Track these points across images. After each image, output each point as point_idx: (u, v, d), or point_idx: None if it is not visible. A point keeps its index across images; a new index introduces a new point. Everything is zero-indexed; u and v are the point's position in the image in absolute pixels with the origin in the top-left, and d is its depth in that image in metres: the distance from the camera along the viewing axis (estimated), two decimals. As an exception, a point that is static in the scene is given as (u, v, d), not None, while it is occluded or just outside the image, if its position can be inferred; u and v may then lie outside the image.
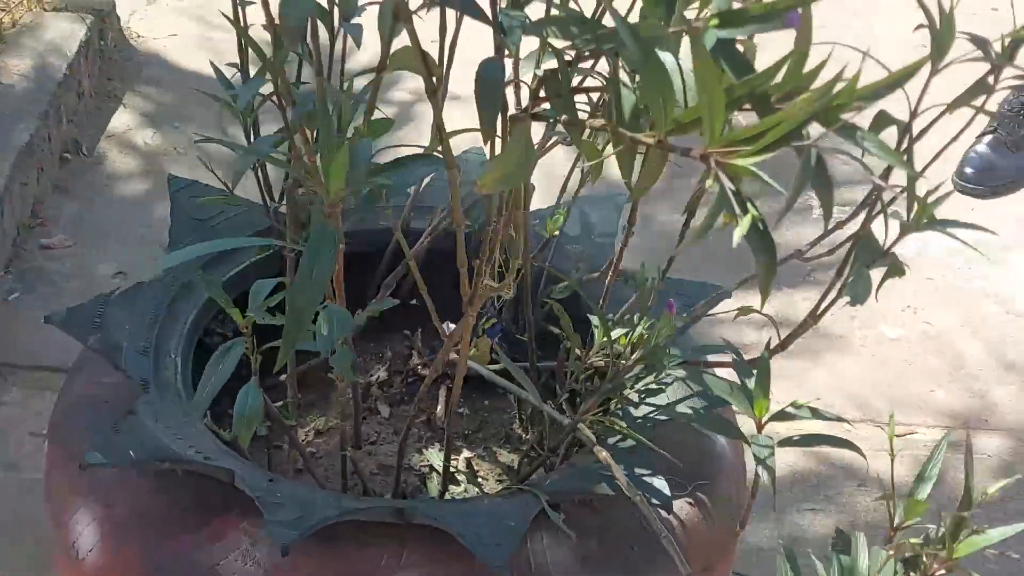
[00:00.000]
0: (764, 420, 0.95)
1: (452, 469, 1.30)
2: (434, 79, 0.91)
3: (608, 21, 0.90)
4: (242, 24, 1.28)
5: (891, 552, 0.92)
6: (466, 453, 1.34)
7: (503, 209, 1.03)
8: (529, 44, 0.89)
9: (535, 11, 0.94)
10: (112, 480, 1.19)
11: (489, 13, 0.92)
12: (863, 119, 0.82)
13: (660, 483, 1.15)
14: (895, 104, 0.87)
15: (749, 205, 0.73)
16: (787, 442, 0.96)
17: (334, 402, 1.40)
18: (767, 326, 1.25)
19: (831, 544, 0.97)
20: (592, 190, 1.43)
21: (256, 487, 1.11)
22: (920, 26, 0.98)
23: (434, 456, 1.32)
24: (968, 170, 2.77)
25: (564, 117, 0.92)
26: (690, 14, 0.84)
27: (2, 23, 2.84)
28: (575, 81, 0.94)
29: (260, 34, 1.34)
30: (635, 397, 1.22)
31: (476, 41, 1.08)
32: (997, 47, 0.95)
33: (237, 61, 1.35)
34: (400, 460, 1.23)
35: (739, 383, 1.04)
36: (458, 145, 1.11)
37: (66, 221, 2.59)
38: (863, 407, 2.27)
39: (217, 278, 1.20)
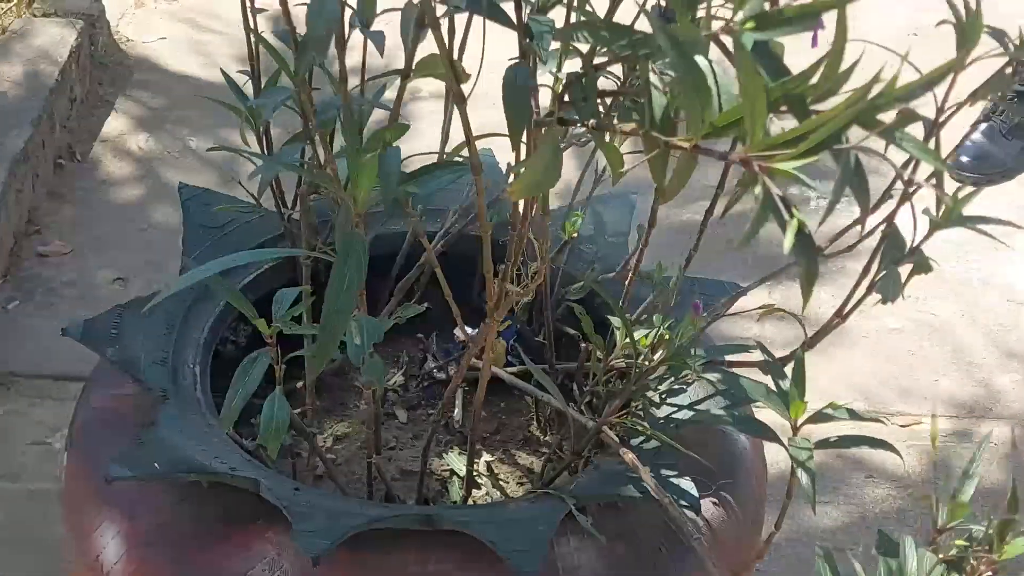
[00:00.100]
0: (800, 422, 0.95)
1: (473, 473, 1.29)
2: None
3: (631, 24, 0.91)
4: (254, 29, 1.26)
5: (940, 556, 0.91)
6: (486, 456, 1.34)
7: (527, 214, 1.02)
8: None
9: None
10: (135, 492, 1.18)
11: (514, 17, 0.92)
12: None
13: (687, 484, 1.14)
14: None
15: (794, 211, 0.73)
16: (824, 444, 0.96)
17: (359, 409, 1.39)
18: (771, 322, 1.25)
19: (875, 546, 0.97)
20: (602, 190, 1.43)
21: (283, 497, 1.11)
22: (943, 22, 0.97)
23: (454, 460, 1.32)
24: (964, 158, 2.77)
25: (592, 121, 0.91)
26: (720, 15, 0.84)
27: (-8, 30, 2.83)
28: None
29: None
30: (656, 398, 1.22)
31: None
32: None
33: (229, 66, 1.33)
34: (424, 466, 1.23)
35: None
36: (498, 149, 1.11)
37: (62, 228, 2.57)
38: (868, 398, 2.27)
39: (235, 287, 1.19)
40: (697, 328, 1.10)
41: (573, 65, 0.95)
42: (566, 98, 0.95)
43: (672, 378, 1.17)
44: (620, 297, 1.24)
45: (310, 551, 1.04)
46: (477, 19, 0.95)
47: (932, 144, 0.96)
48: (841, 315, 1.09)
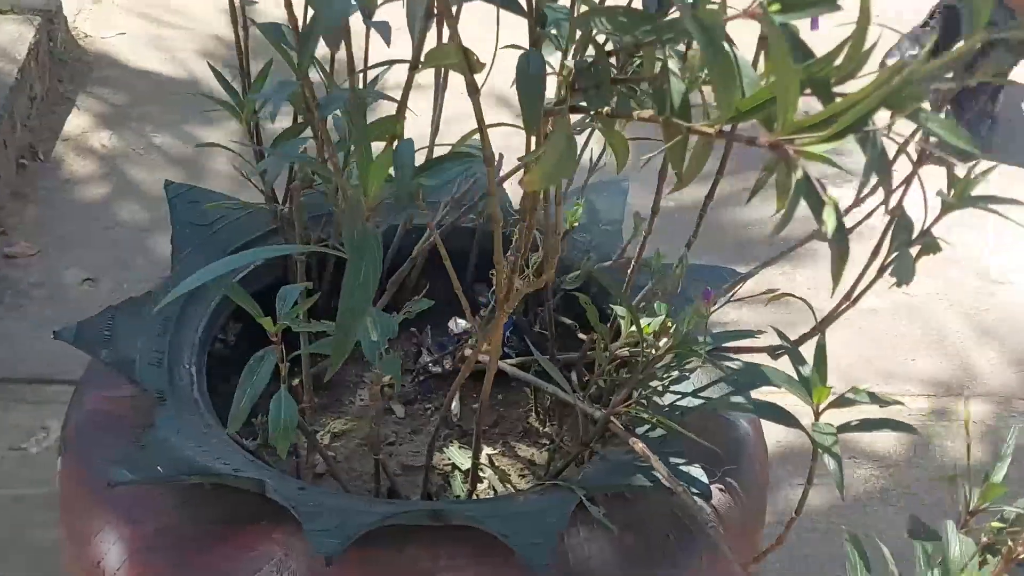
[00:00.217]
0: (822, 407, 0.94)
1: (471, 466, 1.28)
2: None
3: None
4: (242, 24, 1.24)
5: (982, 539, 0.91)
6: (486, 449, 1.33)
7: (536, 206, 1.01)
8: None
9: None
10: (135, 496, 1.16)
11: (524, 5, 0.90)
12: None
13: (697, 472, 1.14)
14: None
15: (829, 195, 0.72)
16: (846, 428, 0.96)
17: (355, 405, 1.38)
18: (748, 308, 1.24)
19: (907, 532, 0.96)
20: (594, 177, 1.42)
21: (289, 497, 1.09)
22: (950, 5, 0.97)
23: (456, 454, 1.31)
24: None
25: (607, 109, 0.90)
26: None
27: (-52, 28, 2.77)
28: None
29: (255, 35, 1.32)
30: (659, 386, 1.21)
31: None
32: None
33: (191, 61, 1.31)
34: (429, 461, 1.21)
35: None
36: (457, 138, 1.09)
37: (28, 228, 2.53)
38: (847, 378, 2.28)
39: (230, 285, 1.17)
40: (704, 315, 1.10)
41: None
42: (575, 86, 0.94)
43: (677, 366, 1.16)
44: (622, 285, 1.23)
45: (323, 551, 1.03)
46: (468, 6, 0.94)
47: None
48: (850, 298, 1.09)
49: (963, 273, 2.54)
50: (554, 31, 0.89)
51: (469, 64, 0.88)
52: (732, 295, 1.20)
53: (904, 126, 0.81)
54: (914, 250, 1.05)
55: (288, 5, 0.97)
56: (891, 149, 0.82)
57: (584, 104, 0.92)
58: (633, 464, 1.16)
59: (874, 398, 0.96)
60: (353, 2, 0.87)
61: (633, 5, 0.92)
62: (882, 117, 0.77)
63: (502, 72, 0.98)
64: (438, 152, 1.06)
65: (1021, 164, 2.77)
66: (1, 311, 2.33)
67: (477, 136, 0.94)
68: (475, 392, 1.38)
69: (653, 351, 1.14)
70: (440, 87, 1.34)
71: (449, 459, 1.31)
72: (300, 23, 1.01)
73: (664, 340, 1.16)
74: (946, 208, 0.97)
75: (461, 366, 1.37)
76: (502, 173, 1.32)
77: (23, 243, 2.50)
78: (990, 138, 2.81)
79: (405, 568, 1.10)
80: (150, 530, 1.15)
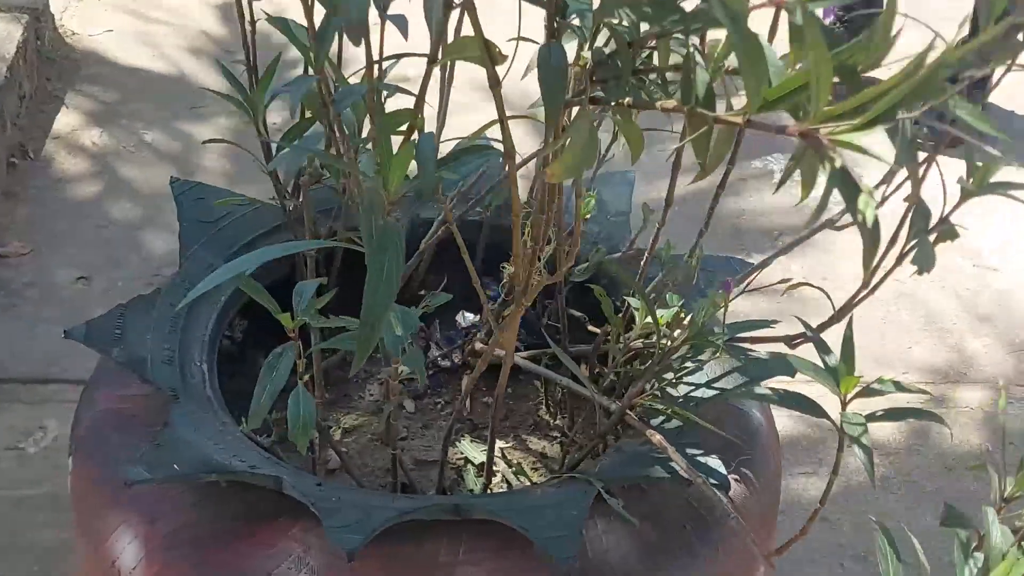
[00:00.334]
0: (850, 397, 0.94)
1: (487, 460, 1.28)
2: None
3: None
4: (249, 19, 1.24)
5: (1013, 526, 0.91)
6: (498, 443, 1.32)
7: (554, 196, 1.01)
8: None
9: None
10: (151, 494, 1.16)
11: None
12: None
13: (715, 463, 1.14)
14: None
15: (864, 184, 0.72)
16: (872, 418, 0.96)
17: (364, 400, 1.37)
18: (746, 299, 1.24)
19: (940, 520, 0.96)
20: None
21: (308, 493, 1.09)
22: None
23: (468, 448, 1.30)
24: None
25: (628, 100, 0.90)
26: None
27: (-65, 27, 2.76)
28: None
29: (263, 28, 1.31)
30: (672, 377, 1.21)
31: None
32: None
33: (179, 57, 1.31)
34: (444, 456, 1.21)
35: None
36: (463, 130, 1.09)
37: (20, 227, 2.52)
38: (845, 368, 2.28)
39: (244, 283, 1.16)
40: (721, 305, 1.10)
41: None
42: (594, 77, 0.94)
43: (692, 357, 1.16)
44: (635, 277, 1.23)
45: (345, 546, 1.03)
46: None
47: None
48: (868, 285, 1.09)
49: (956, 259, 2.55)
50: (576, 21, 0.89)
51: (491, 56, 0.88)
52: (747, 285, 1.20)
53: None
54: (931, 237, 1.05)
55: (305, 1, 0.96)
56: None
57: (603, 95, 0.92)
58: (649, 455, 1.16)
59: (899, 387, 0.96)
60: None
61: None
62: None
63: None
64: (442, 145, 1.07)
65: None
66: (-7, 311, 2.32)
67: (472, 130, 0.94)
68: (483, 386, 1.38)
69: (668, 342, 1.14)
70: (447, 80, 1.33)
71: (462, 453, 1.30)
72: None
73: (679, 331, 1.16)
74: (966, 195, 0.97)
75: (470, 359, 1.37)
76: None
77: (15, 243, 2.48)
78: None
79: (425, 563, 1.10)
80: (167, 529, 1.15)
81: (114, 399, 1.25)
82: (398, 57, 1.11)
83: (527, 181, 1.25)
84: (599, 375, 1.29)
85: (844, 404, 0.95)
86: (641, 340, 1.20)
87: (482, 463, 1.28)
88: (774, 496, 1.29)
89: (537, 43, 1.03)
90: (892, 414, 0.95)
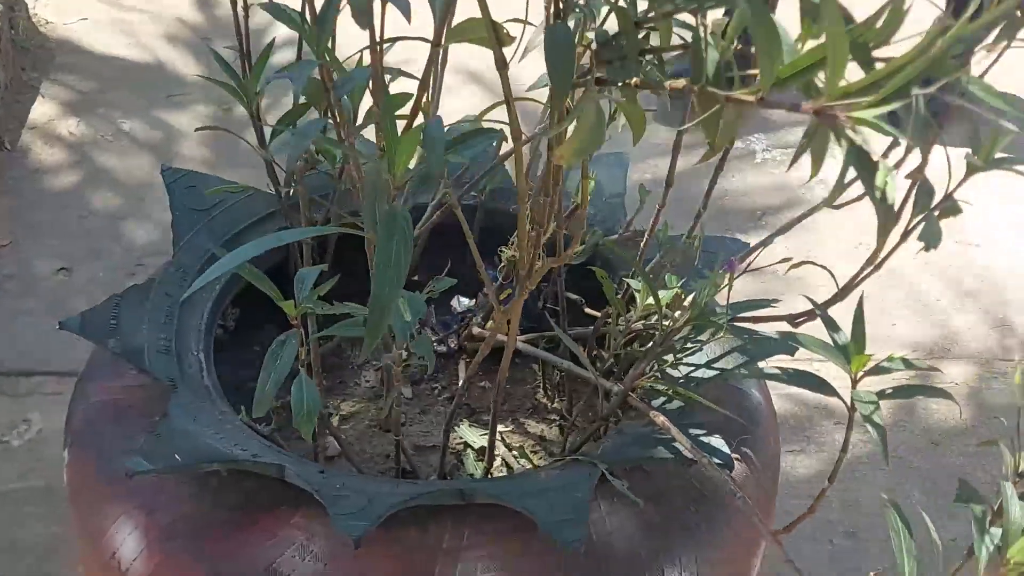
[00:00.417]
0: (860, 375, 0.94)
1: (486, 445, 1.27)
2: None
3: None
4: (242, 4, 1.22)
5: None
6: (497, 427, 1.32)
7: (558, 181, 1.00)
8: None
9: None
10: (150, 485, 1.15)
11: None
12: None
13: (718, 442, 1.14)
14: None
15: (882, 161, 0.72)
16: (882, 395, 0.96)
17: (360, 387, 1.37)
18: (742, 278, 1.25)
19: (956, 496, 0.96)
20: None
21: (312, 481, 1.08)
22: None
23: (467, 432, 1.30)
24: None
25: (636, 80, 0.89)
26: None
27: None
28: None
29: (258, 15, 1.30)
30: (670, 358, 1.21)
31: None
32: None
33: (155, 45, 1.29)
34: (446, 440, 1.21)
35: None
36: (451, 114, 1.08)
37: (-2, 219, 2.50)
38: (831, 346, 2.29)
39: (240, 270, 1.15)
40: (723, 286, 1.10)
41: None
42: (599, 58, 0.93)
43: (694, 338, 1.16)
44: (634, 258, 1.23)
45: (351, 533, 1.02)
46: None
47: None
48: (873, 263, 1.09)
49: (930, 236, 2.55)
50: (581, 0, 0.88)
51: (499, 38, 0.87)
52: (748, 265, 1.20)
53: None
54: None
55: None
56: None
57: (610, 76, 0.91)
58: (652, 436, 1.16)
59: (909, 365, 0.96)
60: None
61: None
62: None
63: (468, 48, 0.97)
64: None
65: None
66: (-26, 303, 2.30)
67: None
68: (479, 370, 1.37)
69: (671, 323, 1.14)
70: (439, 63, 1.32)
71: (461, 438, 1.30)
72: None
73: (679, 312, 1.16)
74: (971, 170, 0.97)
75: (466, 344, 1.37)
76: (507, 150, 1.31)
77: (-6, 235, 2.46)
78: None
79: (430, 548, 1.10)
80: (167, 520, 1.14)
81: (109, 390, 1.24)
82: (393, 41, 1.10)
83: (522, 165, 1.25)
84: (596, 358, 1.28)
85: (855, 382, 0.94)
86: (642, 322, 1.20)
87: (481, 447, 1.28)
88: (774, 475, 1.29)
89: (533, 24, 1.02)
90: (902, 391, 0.95)
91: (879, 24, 0.78)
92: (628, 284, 1.23)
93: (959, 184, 1.01)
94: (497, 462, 1.28)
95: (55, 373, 2.14)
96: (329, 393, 1.37)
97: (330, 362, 1.39)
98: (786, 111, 0.78)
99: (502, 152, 1.35)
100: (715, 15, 1.08)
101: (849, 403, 0.95)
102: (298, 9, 0.98)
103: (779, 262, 1.18)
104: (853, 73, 0.76)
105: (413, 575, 1.08)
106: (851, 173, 0.77)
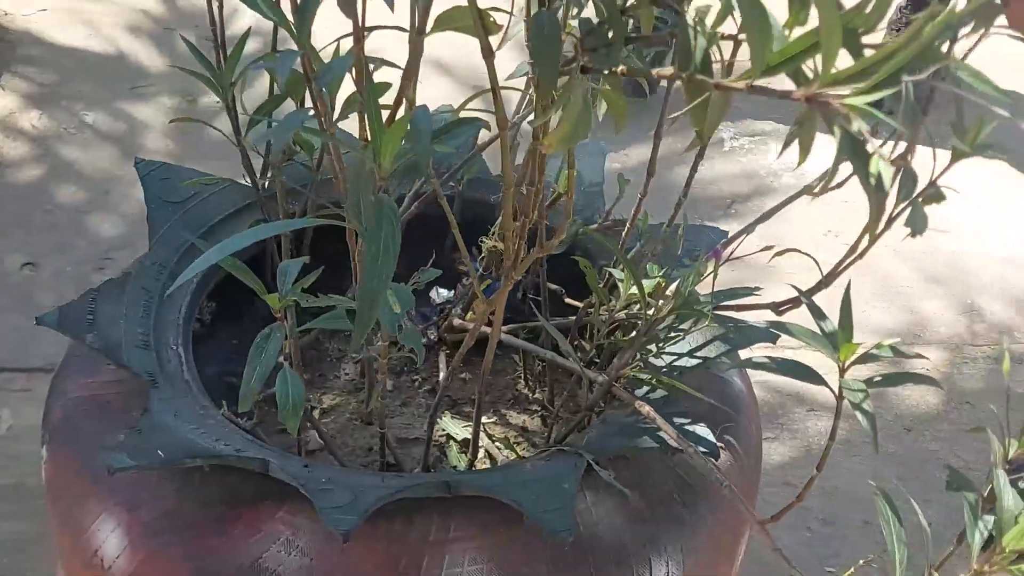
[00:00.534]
0: (848, 364, 0.94)
1: (469, 436, 1.27)
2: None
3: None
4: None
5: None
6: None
7: (543, 170, 1.00)
8: None
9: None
10: (132, 482, 1.13)
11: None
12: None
13: (704, 431, 1.14)
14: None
15: (875, 147, 0.72)
16: (870, 383, 0.96)
17: (340, 380, 1.36)
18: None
19: (946, 483, 0.96)
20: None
21: (297, 475, 1.07)
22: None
23: (449, 424, 1.29)
24: None
25: (622, 68, 0.89)
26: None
27: None
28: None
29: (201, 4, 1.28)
30: (653, 347, 1.21)
31: None
32: None
33: (116, 35, 1.28)
34: (430, 432, 1.20)
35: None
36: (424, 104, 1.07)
37: (-38, 215, 2.47)
38: (802, 333, 2.30)
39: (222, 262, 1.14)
40: (708, 274, 1.09)
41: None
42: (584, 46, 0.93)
43: (678, 327, 1.16)
44: (618, 248, 1.22)
45: (339, 527, 1.01)
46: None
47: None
48: (856, 251, 1.09)
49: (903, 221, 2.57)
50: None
51: (485, 26, 0.86)
52: (731, 254, 1.20)
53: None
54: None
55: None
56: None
57: (595, 64, 0.91)
58: (636, 426, 1.15)
59: (897, 352, 0.96)
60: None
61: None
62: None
63: (438, 38, 0.96)
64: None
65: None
66: (-59, 300, 2.27)
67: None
68: (464, 362, 1.37)
69: (654, 312, 1.14)
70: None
71: (443, 430, 1.29)
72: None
73: (663, 301, 1.15)
74: (957, 155, 0.98)
75: (446, 336, 1.36)
76: (485, 139, 1.31)
77: (-42, 230, 2.44)
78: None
79: (417, 541, 1.09)
80: (150, 516, 1.13)
81: (86, 386, 1.23)
82: (371, 30, 1.09)
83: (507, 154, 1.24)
84: (577, 347, 1.28)
85: (843, 371, 0.94)
86: (624, 311, 1.19)
87: (464, 439, 1.27)
88: (757, 462, 1.29)
89: (506, 12, 1.02)
90: (890, 379, 0.95)
91: (868, 10, 0.78)
92: (610, 273, 1.22)
93: (944, 170, 1.01)
94: (480, 453, 1.27)
95: (24, 369, 2.12)
96: (309, 386, 1.36)
97: (309, 355, 1.39)
98: (756, 97, 0.78)
99: (480, 141, 1.35)
100: (699, 1, 1.08)
101: (837, 392, 0.95)
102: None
103: (761, 250, 1.18)
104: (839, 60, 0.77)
105: (400, 568, 1.08)
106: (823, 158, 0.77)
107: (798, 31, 0.82)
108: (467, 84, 2.87)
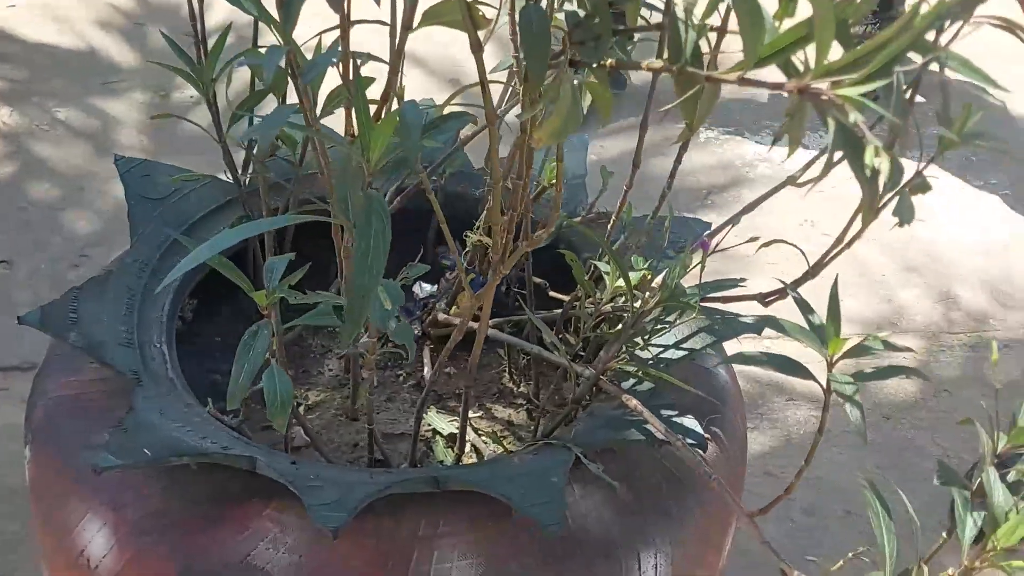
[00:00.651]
0: (836, 358, 0.94)
1: (455, 431, 1.27)
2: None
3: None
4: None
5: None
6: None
7: (531, 164, 1.00)
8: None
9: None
10: (117, 481, 1.13)
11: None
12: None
13: (691, 423, 1.14)
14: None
15: (868, 139, 0.72)
16: (860, 377, 0.96)
17: (324, 376, 1.35)
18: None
19: (936, 477, 0.96)
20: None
21: (285, 472, 1.07)
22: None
23: (435, 419, 1.29)
24: None
25: (611, 61, 0.89)
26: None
27: None
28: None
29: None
30: (641, 340, 1.21)
31: None
32: None
33: (87, 31, 1.27)
34: (417, 428, 1.20)
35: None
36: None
37: (-65, 213, 2.45)
38: (781, 323, 2.30)
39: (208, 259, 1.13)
40: (695, 265, 1.10)
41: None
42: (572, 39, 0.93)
43: (664, 319, 1.16)
44: (603, 240, 1.22)
45: (328, 524, 1.01)
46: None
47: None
48: (842, 241, 1.09)
49: (882, 211, 2.58)
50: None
51: (474, 21, 0.86)
52: (717, 245, 1.20)
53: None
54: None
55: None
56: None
57: (583, 58, 0.91)
58: (623, 418, 1.15)
59: (888, 345, 0.97)
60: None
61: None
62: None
63: (416, 32, 0.96)
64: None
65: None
66: (-85, 299, 2.25)
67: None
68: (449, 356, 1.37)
69: (641, 304, 1.14)
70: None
71: (429, 424, 1.29)
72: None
73: (649, 293, 1.15)
74: (944, 145, 0.98)
75: (430, 331, 1.36)
76: (468, 132, 1.30)
77: (-69, 229, 2.41)
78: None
79: (406, 536, 1.09)
80: (136, 515, 1.12)
81: (69, 385, 1.22)
82: (354, 23, 1.09)
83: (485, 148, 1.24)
84: (563, 341, 1.28)
85: (831, 365, 0.95)
86: (610, 304, 1.19)
87: (450, 434, 1.27)
88: (742, 454, 1.30)
89: (490, 6, 1.01)
90: (881, 372, 0.95)
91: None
92: (595, 266, 1.22)
93: (931, 159, 1.01)
94: (466, 448, 1.27)
95: (0, 368, 2.10)
96: (294, 383, 1.34)
97: (292, 351, 1.38)
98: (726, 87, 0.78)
99: (463, 135, 1.34)
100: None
101: (826, 385, 0.95)
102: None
103: (746, 241, 1.19)
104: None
105: (389, 564, 1.07)
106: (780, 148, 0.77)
107: (787, 23, 0.82)
108: (443, 77, 2.86)
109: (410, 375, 1.37)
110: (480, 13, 0.87)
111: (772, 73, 0.78)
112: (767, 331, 1.07)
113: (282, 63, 0.97)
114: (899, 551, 0.98)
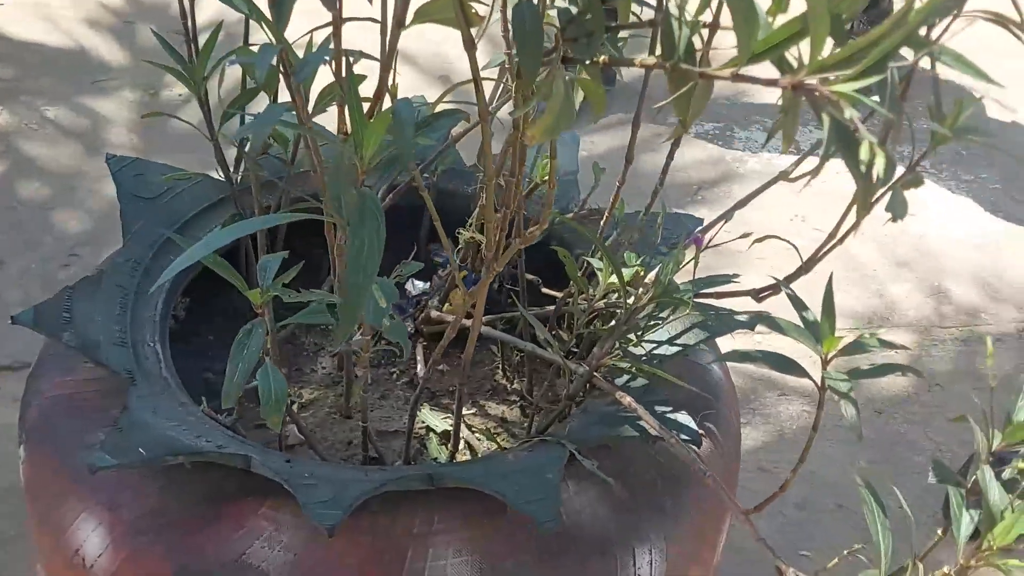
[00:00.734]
0: (831, 355, 0.94)
1: (448, 428, 1.27)
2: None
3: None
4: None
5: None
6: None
7: (524, 161, 0.99)
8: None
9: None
10: (112, 480, 1.13)
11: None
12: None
13: (685, 419, 1.14)
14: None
15: (866, 133, 0.72)
16: (857, 373, 0.96)
17: (328, 372, 1.36)
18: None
19: (931, 474, 0.97)
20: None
21: (279, 471, 1.07)
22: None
23: (428, 416, 1.29)
24: None
25: (604, 58, 0.89)
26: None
27: None
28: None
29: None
30: (634, 336, 1.21)
31: None
32: None
33: (76, 30, 1.27)
34: (411, 425, 1.20)
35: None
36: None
37: (-76, 214, 2.44)
38: (771, 319, 2.31)
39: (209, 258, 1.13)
40: (689, 260, 1.10)
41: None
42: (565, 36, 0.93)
43: (658, 315, 1.16)
44: (596, 237, 1.22)
45: (324, 522, 1.01)
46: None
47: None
48: (835, 236, 1.09)
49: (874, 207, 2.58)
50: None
51: (467, 18, 0.86)
52: (710, 241, 1.20)
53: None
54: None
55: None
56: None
57: (576, 55, 0.91)
58: (617, 415, 1.16)
59: (883, 343, 0.97)
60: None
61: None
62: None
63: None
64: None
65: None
66: (-94, 300, 2.24)
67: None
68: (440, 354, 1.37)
69: (634, 301, 1.14)
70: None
71: (423, 422, 1.29)
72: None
73: (642, 289, 1.16)
74: (937, 140, 0.98)
75: (422, 328, 1.36)
76: (459, 130, 1.30)
77: (-79, 230, 2.40)
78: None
79: (401, 534, 1.09)
80: (132, 515, 1.12)
81: (63, 385, 1.22)
82: (346, 21, 1.08)
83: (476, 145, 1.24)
84: (556, 337, 1.28)
85: (826, 362, 0.95)
86: (603, 300, 1.20)
87: (444, 431, 1.27)
88: (735, 450, 1.30)
89: (482, 3, 1.01)
90: (877, 370, 0.96)
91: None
92: (587, 262, 1.22)
93: (924, 154, 1.02)
94: (460, 445, 1.27)
95: (-9, 368, 2.10)
96: (287, 381, 1.34)
97: (285, 349, 1.38)
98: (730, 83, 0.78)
99: (455, 133, 1.34)
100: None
101: (820, 383, 0.95)
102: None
103: (739, 237, 1.19)
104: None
105: (385, 561, 1.07)
106: (774, 142, 0.77)
107: (780, 19, 0.82)
108: (432, 74, 2.86)
109: (403, 372, 1.37)
110: (473, 10, 0.87)
111: (766, 69, 0.79)
112: (758, 326, 1.08)
113: (274, 61, 0.97)
114: (894, 547, 0.98)
